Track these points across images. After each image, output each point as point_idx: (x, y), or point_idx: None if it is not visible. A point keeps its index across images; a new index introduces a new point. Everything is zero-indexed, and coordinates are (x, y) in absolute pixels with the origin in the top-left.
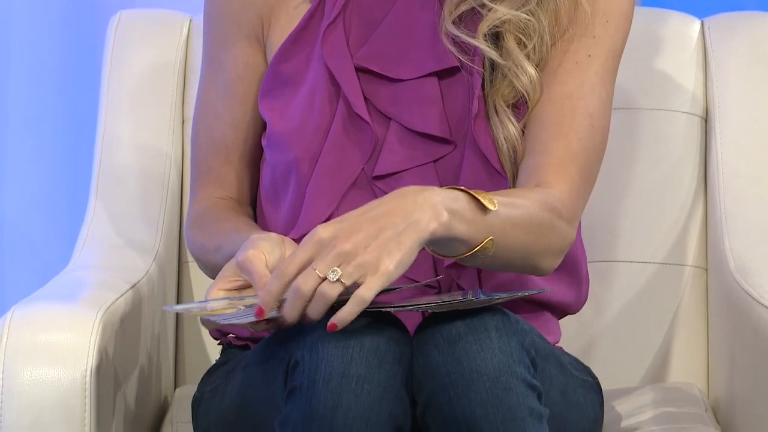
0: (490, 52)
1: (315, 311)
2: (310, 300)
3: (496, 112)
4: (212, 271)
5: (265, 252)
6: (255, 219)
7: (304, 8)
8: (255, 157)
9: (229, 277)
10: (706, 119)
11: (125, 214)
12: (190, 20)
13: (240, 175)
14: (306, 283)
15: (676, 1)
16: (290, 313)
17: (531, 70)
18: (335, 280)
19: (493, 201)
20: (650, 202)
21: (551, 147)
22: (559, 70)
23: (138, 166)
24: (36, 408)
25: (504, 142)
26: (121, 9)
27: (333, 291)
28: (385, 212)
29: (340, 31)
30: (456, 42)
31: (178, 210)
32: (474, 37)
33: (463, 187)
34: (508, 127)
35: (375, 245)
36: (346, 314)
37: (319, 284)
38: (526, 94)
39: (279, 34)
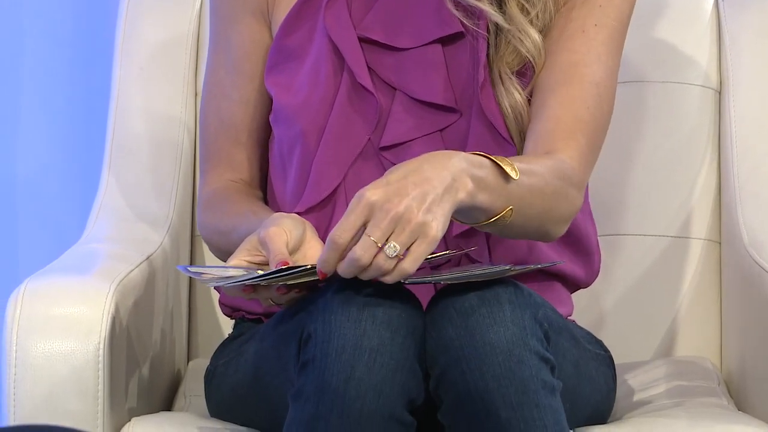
0: (495, 15)
1: (367, 277)
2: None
3: (501, 79)
4: (225, 253)
5: (286, 230)
6: (265, 201)
7: None
8: (265, 138)
9: (250, 250)
10: (719, 92)
11: (138, 186)
12: None
13: (250, 155)
14: (364, 254)
15: None
16: (345, 275)
17: (535, 35)
18: (393, 256)
19: (515, 169)
20: (663, 175)
21: (559, 114)
22: (564, 37)
23: (151, 137)
24: (49, 381)
25: (510, 110)
26: None
27: (389, 265)
28: (425, 178)
29: (342, 2)
30: (460, 6)
31: (192, 182)
32: (479, 1)
33: (486, 154)
34: (513, 95)
35: (424, 209)
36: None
37: (377, 254)
38: (531, 59)
39: (283, 9)
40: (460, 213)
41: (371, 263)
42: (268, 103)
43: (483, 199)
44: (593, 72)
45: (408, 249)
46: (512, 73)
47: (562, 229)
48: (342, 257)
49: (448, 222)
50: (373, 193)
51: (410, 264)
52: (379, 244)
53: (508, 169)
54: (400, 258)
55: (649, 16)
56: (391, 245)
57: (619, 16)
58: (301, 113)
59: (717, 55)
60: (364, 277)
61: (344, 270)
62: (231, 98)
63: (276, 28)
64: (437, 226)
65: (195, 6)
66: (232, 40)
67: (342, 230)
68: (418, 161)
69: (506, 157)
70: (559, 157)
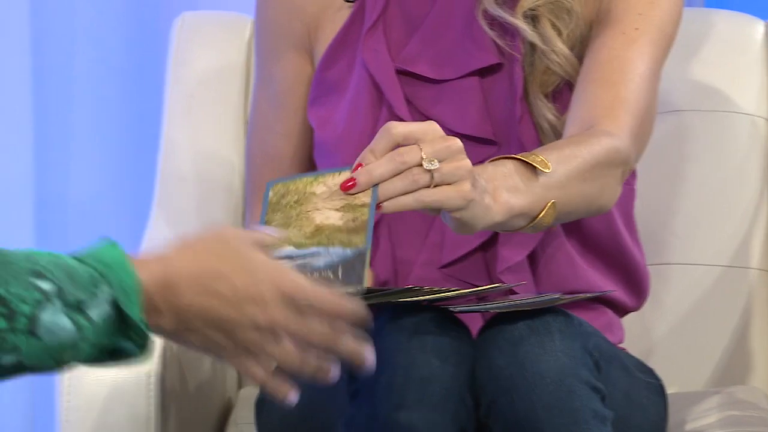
0: (530, 34)
1: (396, 187)
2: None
3: (538, 101)
4: None
5: None
6: None
7: (346, 14)
8: (310, 169)
9: None
10: None
11: (188, 214)
12: (252, 22)
13: None
14: (408, 152)
15: (739, 2)
16: (381, 172)
17: (568, 52)
18: (430, 169)
19: (546, 162)
20: (714, 204)
21: (599, 94)
22: (603, 40)
23: (202, 168)
24: (101, 408)
25: (547, 134)
26: (184, 10)
27: (420, 178)
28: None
29: (380, 35)
30: (495, 24)
31: (241, 212)
32: (513, 16)
33: (511, 155)
34: (548, 117)
35: (476, 175)
36: (404, 203)
37: (416, 164)
38: (568, 78)
39: (324, 42)
40: (499, 226)
41: (406, 173)
42: (311, 136)
43: (520, 204)
44: (635, 65)
45: (436, 186)
46: (546, 96)
47: (614, 199)
48: (390, 148)
49: (476, 219)
50: (440, 128)
51: (434, 196)
52: (425, 157)
53: (539, 166)
54: (427, 187)
55: (698, 45)
56: (432, 160)
57: (660, 25)
58: (341, 146)
59: (767, 84)
60: (392, 186)
61: (377, 169)
62: (275, 131)
63: (318, 60)
64: (469, 187)
65: (245, 35)
66: (275, 74)
67: (401, 125)
68: None
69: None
70: (599, 129)
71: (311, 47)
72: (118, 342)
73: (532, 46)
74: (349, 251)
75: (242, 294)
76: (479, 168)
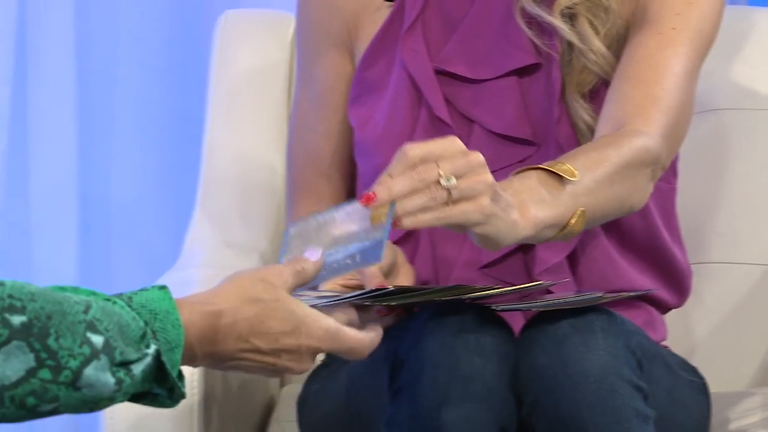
0: (568, 33)
1: (412, 203)
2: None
3: (575, 102)
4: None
5: None
6: None
7: (385, 13)
8: (351, 169)
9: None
10: None
11: (231, 214)
12: (295, 20)
13: (336, 187)
14: (425, 169)
15: None
16: (398, 189)
17: (605, 50)
18: (446, 186)
19: (572, 170)
20: (756, 203)
21: (632, 93)
22: (639, 40)
23: (244, 167)
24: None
25: (584, 134)
26: (227, 9)
27: (438, 195)
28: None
29: (419, 35)
30: (532, 24)
31: (283, 213)
32: (551, 14)
33: (535, 166)
34: (584, 118)
35: (496, 190)
36: (423, 220)
37: (432, 183)
38: (605, 77)
39: (364, 41)
40: (529, 240)
41: (425, 190)
42: (352, 135)
43: (548, 217)
44: (670, 64)
45: (455, 203)
46: (582, 96)
47: (645, 198)
48: (405, 172)
49: (499, 234)
50: (461, 143)
51: (456, 213)
52: (443, 174)
53: (565, 175)
54: (446, 203)
55: (740, 43)
56: (450, 177)
57: (698, 25)
58: (380, 147)
59: None
60: (410, 202)
61: (396, 185)
62: (316, 131)
63: (358, 60)
64: (488, 202)
65: (288, 33)
66: (316, 73)
67: (417, 146)
68: None
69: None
70: (629, 129)
71: (352, 46)
72: (151, 388)
73: (570, 45)
74: (367, 242)
75: (282, 347)
76: (504, 183)
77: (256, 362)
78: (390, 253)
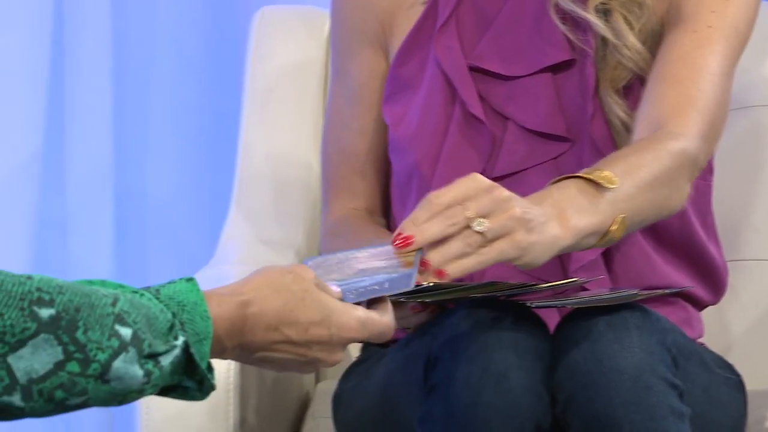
0: (603, 29)
1: (446, 253)
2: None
3: (608, 98)
4: None
5: None
6: (388, 228)
7: (419, 10)
8: (385, 166)
9: None
10: None
11: (267, 211)
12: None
13: (371, 184)
14: (453, 215)
15: None
16: (425, 236)
17: (640, 47)
18: (478, 230)
19: (611, 177)
20: None
21: (668, 93)
22: (674, 38)
23: (280, 164)
24: (181, 401)
25: (620, 131)
26: (263, 5)
27: (473, 240)
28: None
29: (452, 32)
30: (566, 20)
31: (318, 210)
32: (585, 10)
33: (574, 174)
34: (619, 115)
35: (527, 217)
36: (466, 266)
37: (464, 227)
38: (640, 73)
39: (398, 38)
40: (570, 249)
41: (456, 234)
42: (386, 133)
43: (587, 225)
44: (706, 63)
45: (491, 243)
46: (616, 92)
47: (684, 199)
48: (432, 218)
49: (539, 258)
50: (483, 178)
51: (494, 253)
52: (470, 216)
53: (604, 183)
54: (482, 246)
55: None
56: (480, 221)
57: (734, 22)
58: (415, 144)
59: None
60: (448, 250)
61: (429, 228)
62: (351, 128)
63: (393, 57)
64: (524, 235)
65: (324, 30)
66: (351, 70)
67: (441, 193)
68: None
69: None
70: (666, 131)
71: (386, 44)
72: (181, 380)
73: (604, 41)
74: (395, 274)
75: (312, 338)
76: (543, 193)
77: (286, 353)
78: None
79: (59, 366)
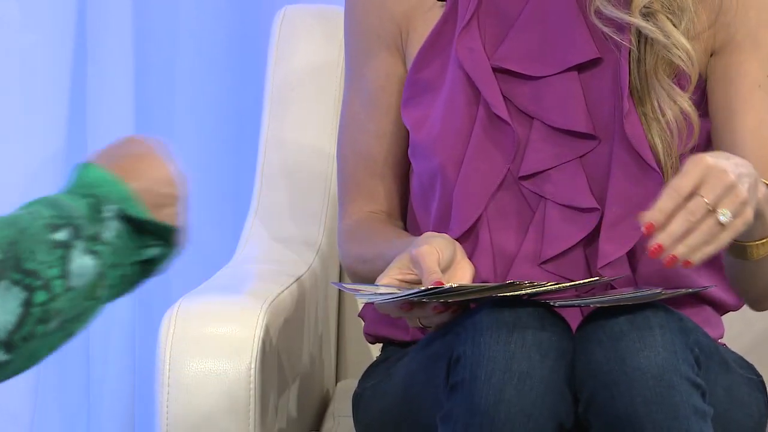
0: (651, 30)
1: (692, 242)
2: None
3: (663, 89)
4: (370, 280)
5: (438, 249)
6: (405, 231)
7: (437, 13)
8: (402, 169)
9: (401, 268)
10: None
11: (288, 210)
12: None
13: (388, 187)
14: (696, 212)
15: None
16: (672, 232)
17: (688, 45)
18: (724, 222)
19: None
20: None
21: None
22: (738, 69)
23: (301, 162)
24: (202, 400)
25: (658, 135)
26: (285, 4)
27: (717, 230)
28: (742, 165)
29: (474, 33)
30: (604, 18)
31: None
32: (630, 15)
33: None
34: (678, 101)
35: (748, 187)
36: (708, 252)
37: (706, 217)
38: (686, 69)
39: (417, 42)
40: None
41: (701, 226)
42: (404, 136)
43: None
44: None
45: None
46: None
47: None
48: (677, 208)
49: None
50: (710, 157)
51: (729, 234)
52: (711, 208)
53: None
54: (720, 231)
55: None
56: (724, 211)
57: None
58: (438, 147)
59: None
60: (689, 241)
61: (675, 226)
62: (367, 131)
63: (410, 61)
64: (751, 211)
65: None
66: (367, 73)
67: (682, 183)
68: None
69: (649, 185)
70: None
71: (403, 47)
72: (141, 253)
73: (645, 41)
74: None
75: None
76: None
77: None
78: (450, 247)
79: (28, 304)
